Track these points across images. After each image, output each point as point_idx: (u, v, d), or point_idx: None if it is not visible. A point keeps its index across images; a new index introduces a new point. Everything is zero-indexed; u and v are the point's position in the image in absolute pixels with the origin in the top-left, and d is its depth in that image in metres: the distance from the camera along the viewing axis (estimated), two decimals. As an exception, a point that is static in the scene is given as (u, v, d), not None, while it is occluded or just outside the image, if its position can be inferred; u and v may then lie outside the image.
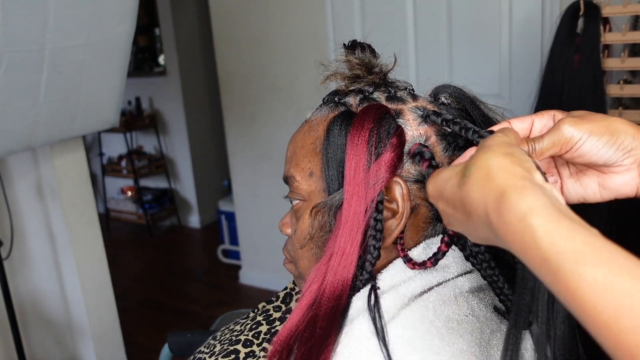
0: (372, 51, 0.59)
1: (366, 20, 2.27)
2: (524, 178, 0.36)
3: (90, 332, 1.94)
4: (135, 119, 3.91)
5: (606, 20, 1.53)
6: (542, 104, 1.58)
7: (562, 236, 0.31)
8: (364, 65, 0.58)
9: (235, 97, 2.75)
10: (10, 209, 1.80)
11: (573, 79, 1.51)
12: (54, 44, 1.29)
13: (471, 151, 0.47)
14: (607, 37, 1.50)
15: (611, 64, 1.52)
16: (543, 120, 0.50)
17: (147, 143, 4.20)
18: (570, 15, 1.51)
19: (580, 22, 1.51)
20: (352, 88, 0.59)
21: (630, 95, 1.54)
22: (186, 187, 4.13)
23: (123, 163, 4.15)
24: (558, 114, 0.49)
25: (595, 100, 1.49)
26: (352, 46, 0.58)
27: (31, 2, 1.19)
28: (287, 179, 0.60)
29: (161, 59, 4.03)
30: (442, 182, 0.43)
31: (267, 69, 2.60)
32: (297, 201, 0.59)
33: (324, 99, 0.62)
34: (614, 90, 1.54)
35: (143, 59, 4.12)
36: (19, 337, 1.71)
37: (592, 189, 0.49)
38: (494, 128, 0.50)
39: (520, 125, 0.50)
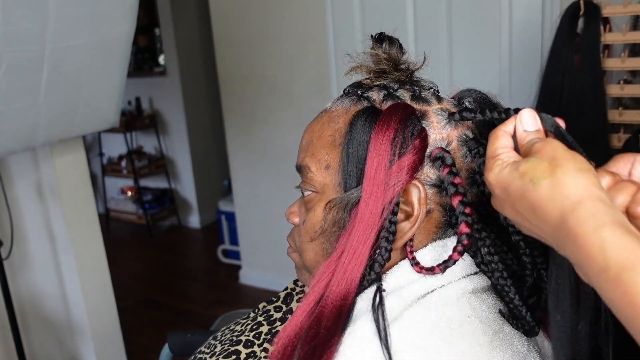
0: (400, 46, 0.57)
1: (366, 20, 2.27)
2: (596, 195, 0.38)
3: (90, 332, 1.94)
4: (135, 119, 3.91)
5: (606, 20, 1.52)
6: (542, 104, 1.58)
7: (626, 247, 0.35)
8: (392, 61, 0.56)
9: (235, 97, 2.75)
10: (10, 209, 1.80)
11: (573, 79, 1.50)
12: (54, 44, 1.29)
13: (504, 133, 0.47)
14: (607, 37, 1.50)
15: (611, 64, 1.52)
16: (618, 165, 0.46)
17: (147, 143, 4.20)
18: (570, 15, 1.50)
19: (581, 22, 1.50)
20: (376, 83, 0.57)
21: (630, 95, 1.53)
22: (186, 187, 4.13)
23: (123, 163, 4.14)
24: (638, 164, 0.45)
25: (595, 101, 1.49)
26: (380, 39, 0.56)
27: (31, 2, 1.19)
28: (300, 168, 0.58)
29: (161, 59, 4.03)
30: (505, 180, 0.44)
31: (267, 69, 2.60)
32: (309, 192, 0.57)
33: (345, 89, 0.59)
34: (614, 90, 1.54)
35: (143, 59, 4.12)
36: (19, 337, 1.70)
37: None
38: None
39: None
